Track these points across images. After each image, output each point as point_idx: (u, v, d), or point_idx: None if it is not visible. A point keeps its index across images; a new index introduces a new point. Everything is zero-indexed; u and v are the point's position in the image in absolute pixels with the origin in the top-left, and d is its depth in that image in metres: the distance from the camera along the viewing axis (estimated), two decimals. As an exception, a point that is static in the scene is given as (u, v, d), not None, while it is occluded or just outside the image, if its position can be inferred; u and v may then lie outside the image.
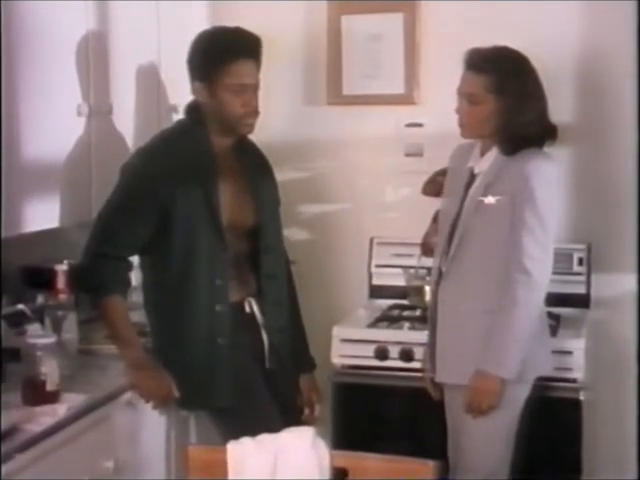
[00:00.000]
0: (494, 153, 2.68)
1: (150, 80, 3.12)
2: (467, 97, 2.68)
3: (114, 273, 2.57)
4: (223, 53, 2.54)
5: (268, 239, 2.70)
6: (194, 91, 2.62)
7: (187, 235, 2.56)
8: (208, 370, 2.58)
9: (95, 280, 2.57)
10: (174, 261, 2.58)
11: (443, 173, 3.52)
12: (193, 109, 2.66)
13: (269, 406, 2.60)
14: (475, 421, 2.60)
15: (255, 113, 2.61)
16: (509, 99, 2.61)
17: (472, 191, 2.70)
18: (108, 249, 2.56)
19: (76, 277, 2.66)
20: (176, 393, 2.55)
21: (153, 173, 2.55)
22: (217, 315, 2.58)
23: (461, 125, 2.73)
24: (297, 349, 2.80)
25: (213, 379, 2.59)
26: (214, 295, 2.58)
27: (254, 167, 2.73)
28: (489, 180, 2.65)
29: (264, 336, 2.67)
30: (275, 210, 2.79)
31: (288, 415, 2.60)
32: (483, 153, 2.73)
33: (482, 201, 2.65)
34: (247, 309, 2.66)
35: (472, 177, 2.73)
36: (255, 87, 2.60)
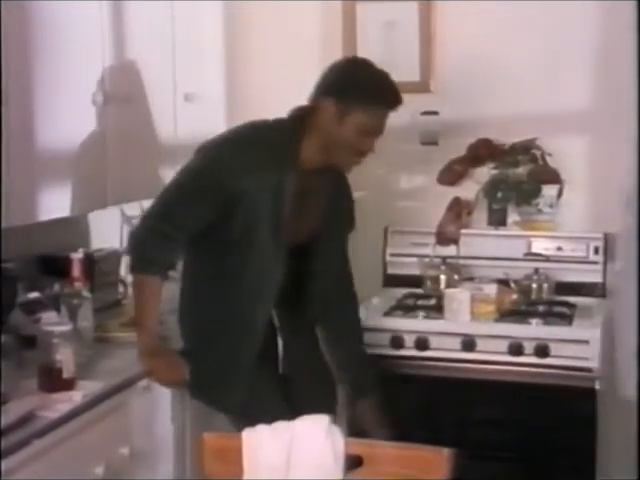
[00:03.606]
0: None
1: (165, 68, 3.12)
2: None
3: (162, 252, 2.52)
4: (373, 96, 2.50)
5: (318, 264, 2.67)
6: (320, 102, 2.52)
7: (244, 236, 2.51)
8: (228, 367, 2.58)
9: (143, 252, 2.53)
10: (223, 258, 2.55)
11: (459, 161, 3.53)
12: (299, 115, 2.57)
13: (275, 410, 2.57)
14: None
15: (364, 155, 2.58)
16: None
17: None
18: (164, 226, 2.50)
19: (128, 241, 2.64)
20: (187, 375, 2.54)
21: (229, 161, 2.48)
22: (252, 318, 2.57)
23: None
24: (353, 374, 2.81)
25: (228, 378, 2.58)
26: (255, 300, 2.56)
27: (331, 190, 2.66)
28: None
29: (279, 341, 2.67)
30: (337, 239, 2.74)
31: None
32: None
33: None
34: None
35: None
36: (380, 135, 2.58)
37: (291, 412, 2.53)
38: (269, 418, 2.42)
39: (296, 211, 2.55)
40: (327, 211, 2.65)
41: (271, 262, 2.54)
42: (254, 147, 2.50)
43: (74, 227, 3.00)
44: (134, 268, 2.57)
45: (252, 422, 2.40)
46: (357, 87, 2.51)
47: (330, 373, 2.83)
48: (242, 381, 2.57)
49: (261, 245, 2.52)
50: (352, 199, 2.80)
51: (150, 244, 2.52)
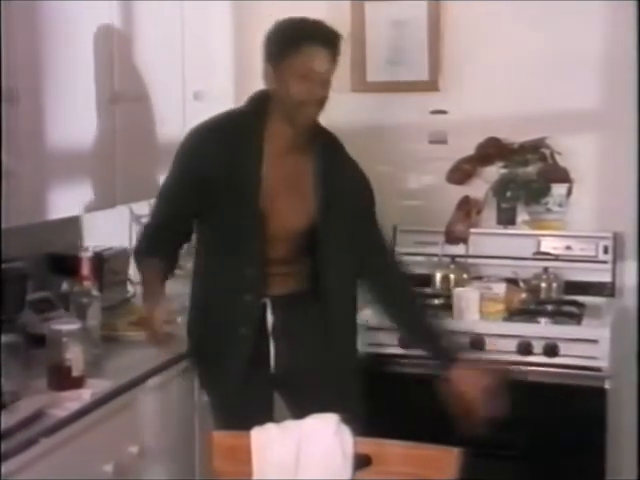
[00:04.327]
0: None
1: (174, 67, 3.12)
2: None
3: (157, 244, 2.60)
4: (297, 36, 2.45)
5: (324, 246, 2.55)
6: (264, 74, 2.53)
7: (224, 219, 2.52)
8: (222, 356, 2.58)
9: (140, 249, 2.65)
10: (210, 242, 2.57)
11: (468, 160, 3.53)
12: (258, 97, 2.58)
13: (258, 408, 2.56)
14: None
15: (317, 103, 2.46)
16: None
17: None
18: (155, 222, 2.61)
19: (137, 241, 2.74)
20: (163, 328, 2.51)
21: (194, 150, 2.53)
22: (243, 305, 2.53)
23: None
24: (430, 343, 2.59)
25: (217, 367, 2.59)
26: (243, 284, 2.52)
27: (325, 167, 2.55)
28: None
29: (270, 341, 2.59)
30: (339, 215, 2.55)
31: None
32: None
33: None
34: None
35: None
36: (323, 77, 2.45)
37: (296, 413, 2.54)
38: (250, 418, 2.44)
39: (285, 197, 2.51)
40: (324, 193, 2.53)
41: (250, 244, 2.51)
42: (216, 131, 2.53)
43: (83, 226, 3.00)
44: (137, 265, 2.64)
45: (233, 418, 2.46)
46: (280, 36, 2.48)
47: (331, 371, 2.64)
48: (229, 375, 2.56)
49: (238, 228, 2.51)
50: (356, 172, 2.64)
51: (145, 241, 2.63)
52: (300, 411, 2.51)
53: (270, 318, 2.58)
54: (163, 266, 2.57)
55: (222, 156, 2.49)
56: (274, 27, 2.51)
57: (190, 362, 2.66)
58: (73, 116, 2.58)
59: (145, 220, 3.38)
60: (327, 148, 2.60)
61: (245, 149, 2.51)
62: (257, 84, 3.66)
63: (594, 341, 2.95)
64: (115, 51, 2.78)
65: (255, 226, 2.50)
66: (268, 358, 2.60)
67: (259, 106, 2.54)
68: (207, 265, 2.62)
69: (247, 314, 2.55)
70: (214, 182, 2.48)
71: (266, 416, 2.43)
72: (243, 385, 2.56)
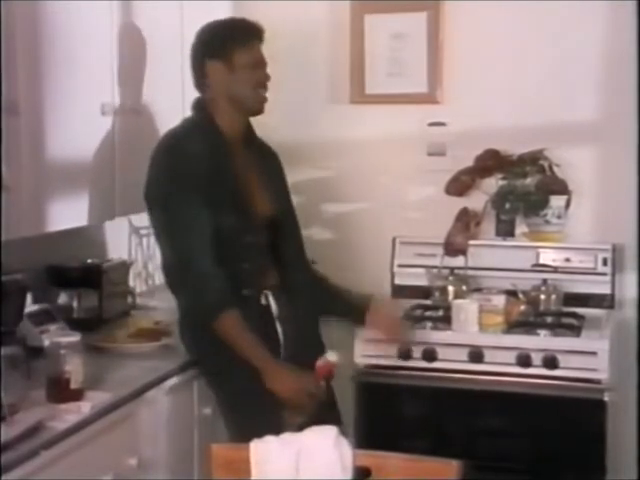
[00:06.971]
0: None
1: (174, 77, 3.13)
2: None
3: (219, 288, 2.54)
4: (242, 34, 2.72)
5: (286, 228, 2.77)
6: (209, 70, 2.68)
7: (213, 219, 2.58)
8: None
9: (207, 298, 2.55)
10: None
11: (467, 172, 3.54)
12: (199, 105, 2.73)
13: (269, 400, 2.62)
14: None
15: (266, 89, 2.72)
16: None
17: None
18: (204, 266, 2.54)
19: (189, 298, 2.62)
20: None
21: (182, 187, 2.56)
22: (243, 299, 2.59)
23: None
24: (342, 302, 2.90)
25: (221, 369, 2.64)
26: (241, 279, 2.60)
27: (263, 158, 2.79)
28: None
29: (278, 328, 2.67)
30: (289, 199, 2.85)
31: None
32: None
33: None
34: (263, 301, 2.66)
35: None
36: (266, 66, 2.74)
37: None
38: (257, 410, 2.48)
39: (247, 192, 2.67)
40: (271, 182, 2.77)
41: (239, 246, 2.60)
42: (187, 138, 2.65)
43: (84, 237, 3.00)
44: (212, 316, 2.55)
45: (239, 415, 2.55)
46: (228, 35, 2.72)
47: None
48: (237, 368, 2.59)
49: (222, 235, 2.57)
50: (282, 169, 2.89)
51: (206, 289, 2.54)
52: None
53: (274, 307, 2.67)
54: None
55: (205, 157, 2.60)
56: (214, 27, 2.74)
57: (199, 368, 2.68)
58: (73, 128, 2.58)
59: (143, 232, 3.40)
60: (261, 143, 2.83)
61: (216, 150, 2.64)
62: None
63: (593, 353, 2.95)
64: (116, 61, 2.79)
65: (243, 222, 2.61)
66: (277, 346, 2.65)
67: (205, 113, 2.70)
68: None
69: (248, 308, 2.58)
70: (207, 202, 2.56)
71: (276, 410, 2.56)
72: (254, 380, 2.59)
